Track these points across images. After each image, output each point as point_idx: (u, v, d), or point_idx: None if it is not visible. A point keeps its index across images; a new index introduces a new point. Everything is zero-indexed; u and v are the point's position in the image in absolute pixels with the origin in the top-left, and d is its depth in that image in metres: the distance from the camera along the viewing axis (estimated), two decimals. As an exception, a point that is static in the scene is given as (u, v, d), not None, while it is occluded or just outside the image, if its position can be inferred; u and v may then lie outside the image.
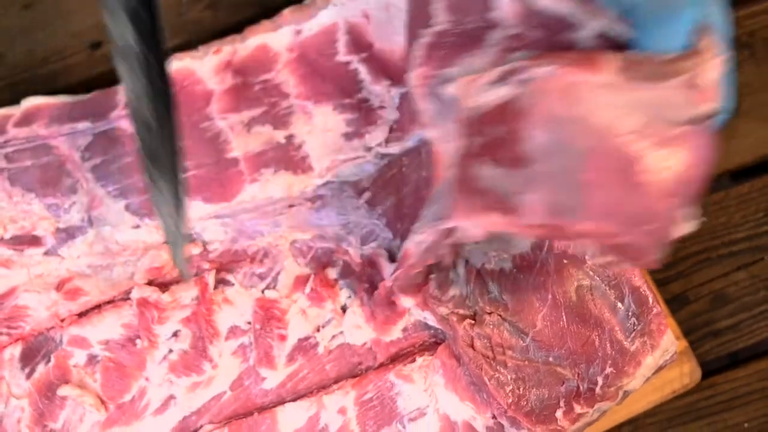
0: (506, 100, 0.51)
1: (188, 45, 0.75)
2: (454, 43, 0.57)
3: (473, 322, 0.64)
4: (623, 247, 0.51)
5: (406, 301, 0.66)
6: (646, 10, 0.51)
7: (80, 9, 0.80)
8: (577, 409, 0.63)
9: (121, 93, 0.72)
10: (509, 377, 0.63)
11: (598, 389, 0.63)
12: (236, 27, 0.77)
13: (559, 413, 0.63)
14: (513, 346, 0.63)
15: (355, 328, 0.67)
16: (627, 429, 0.71)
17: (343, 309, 0.68)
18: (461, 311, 0.64)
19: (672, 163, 0.49)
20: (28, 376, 0.68)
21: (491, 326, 0.64)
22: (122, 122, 0.72)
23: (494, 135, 0.52)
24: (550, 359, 0.64)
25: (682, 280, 0.66)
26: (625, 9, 0.52)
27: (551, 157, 0.50)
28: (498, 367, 0.63)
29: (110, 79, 0.74)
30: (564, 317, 0.64)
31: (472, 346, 0.64)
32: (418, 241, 0.59)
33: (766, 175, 0.77)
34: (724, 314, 0.74)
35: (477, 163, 0.53)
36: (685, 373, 0.69)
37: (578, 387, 0.63)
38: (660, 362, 0.64)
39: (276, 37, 0.72)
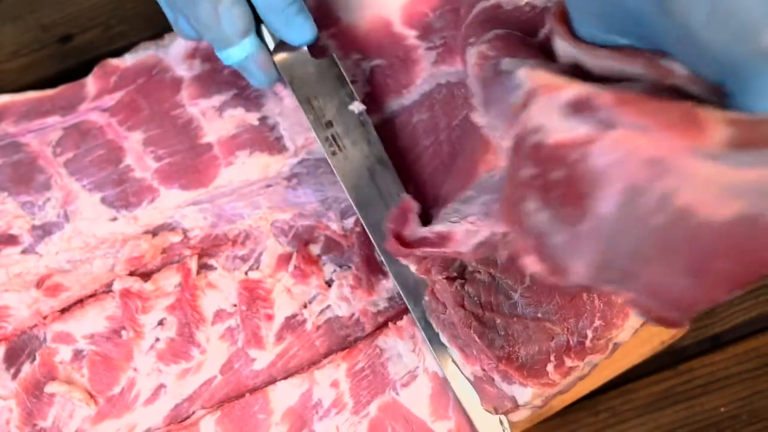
0: (577, 140, 0.41)
1: (162, 36, 0.75)
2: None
3: (464, 281, 0.64)
4: (652, 313, 0.44)
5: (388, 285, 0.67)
6: (754, 65, 0.39)
7: (50, 2, 0.79)
8: (568, 362, 0.63)
9: (90, 85, 0.72)
10: (500, 333, 0.63)
11: (588, 342, 0.63)
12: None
13: (550, 367, 0.63)
14: (502, 303, 0.64)
15: (342, 300, 0.67)
16: (605, 414, 0.71)
17: (328, 284, 0.68)
18: (450, 273, 0.64)
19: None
20: (14, 376, 0.67)
21: (480, 284, 0.64)
22: (92, 114, 0.71)
23: (552, 173, 0.42)
24: (539, 315, 0.64)
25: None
26: (719, 70, 0.41)
27: (614, 222, 0.41)
28: (487, 324, 0.63)
29: (80, 72, 0.74)
30: None
31: (462, 305, 0.64)
32: (470, 231, 0.54)
33: None
34: None
35: (524, 190, 0.44)
36: (674, 322, 0.70)
37: (568, 341, 0.63)
38: None
39: (241, 20, 0.72)
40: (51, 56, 0.78)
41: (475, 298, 0.64)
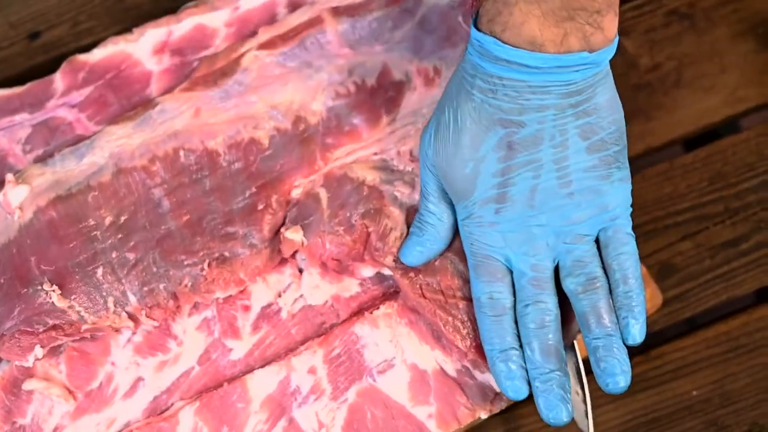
0: None
1: (128, 31, 0.75)
2: None
3: (418, 269, 0.64)
4: None
5: (364, 270, 0.67)
6: None
7: (18, -1, 0.80)
8: None
9: (58, 81, 0.72)
10: (464, 317, 0.63)
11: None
12: (175, 11, 0.77)
13: None
14: (461, 287, 0.64)
15: (314, 288, 0.67)
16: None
17: (300, 271, 0.68)
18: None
19: None
20: (-9, 374, 0.67)
21: (436, 270, 0.64)
22: (60, 111, 0.71)
23: None
24: None
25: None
26: None
27: None
28: (451, 311, 0.63)
29: (49, 69, 0.74)
30: None
31: (422, 295, 0.64)
32: None
33: (710, 145, 0.78)
34: (671, 284, 0.75)
35: None
36: (647, 298, 0.70)
37: None
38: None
39: (212, 16, 0.73)
40: (19, 53, 0.78)
41: (434, 285, 0.64)
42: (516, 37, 0.56)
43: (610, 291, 0.61)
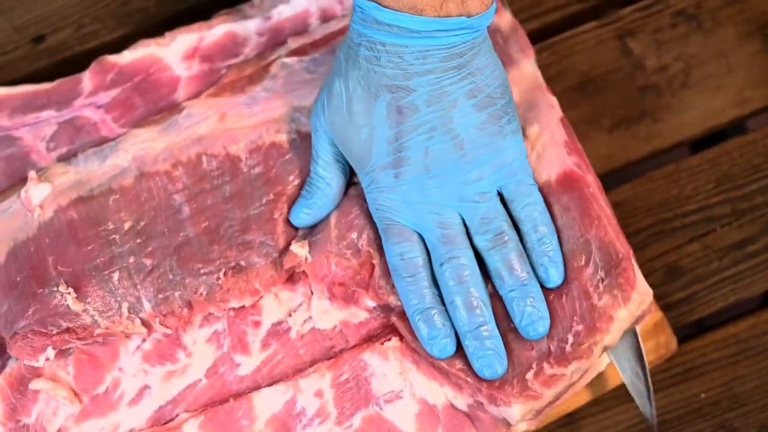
0: None
1: (134, 34, 0.75)
2: None
3: None
4: None
5: (368, 301, 0.67)
6: None
7: (22, 3, 0.79)
8: (548, 370, 0.63)
9: (86, 81, 0.71)
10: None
11: (568, 347, 0.63)
12: (181, 15, 0.77)
13: (530, 375, 0.63)
14: None
15: (323, 313, 0.68)
16: (587, 403, 0.72)
17: (312, 292, 0.68)
18: None
19: None
20: (-1, 370, 0.67)
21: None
22: (87, 111, 0.71)
23: None
24: (513, 325, 0.64)
25: (635, 254, 0.67)
26: None
27: None
28: (460, 352, 0.64)
29: (54, 73, 0.73)
30: None
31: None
32: None
33: (717, 146, 0.78)
34: (679, 286, 0.75)
35: None
36: (661, 344, 0.71)
37: (549, 347, 0.64)
38: (636, 313, 0.64)
39: (244, 24, 0.72)
40: (24, 57, 0.78)
41: None
42: (397, 2, 0.58)
43: (523, 243, 0.64)
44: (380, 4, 0.59)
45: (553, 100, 0.69)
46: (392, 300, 0.65)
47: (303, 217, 0.67)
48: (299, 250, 0.66)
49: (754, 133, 0.78)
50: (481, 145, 0.63)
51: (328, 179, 0.66)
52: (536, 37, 0.79)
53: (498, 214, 0.64)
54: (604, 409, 0.71)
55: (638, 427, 0.71)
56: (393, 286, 0.65)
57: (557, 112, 0.69)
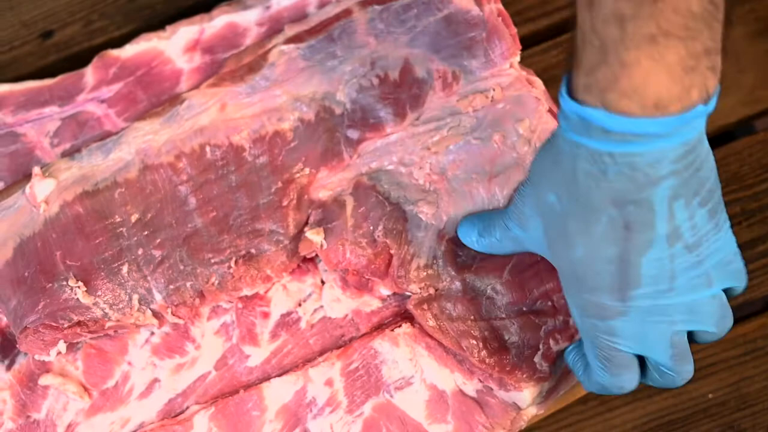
0: None
1: (142, 30, 0.74)
2: None
3: (434, 298, 0.64)
4: None
5: (383, 289, 0.67)
6: None
7: (31, -2, 0.79)
8: (555, 346, 0.63)
9: (89, 76, 0.71)
10: (486, 335, 0.63)
11: (571, 321, 0.63)
12: (188, 11, 0.77)
13: (537, 357, 0.63)
14: (481, 306, 0.64)
15: (335, 301, 0.68)
16: (593, 402, 0.71)
17: (323, 282, 0.68)
18: (427, 289, 0.65)
19: None
20: (8, 367, 0.67)
21: (454, 297, 0.64)
22: (90, 105, 0.71)
23: None
24: (524, 309, 0.64)
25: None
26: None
27: None
28: (471, 332, 0.64)
29: (61, 69, 0.73)
30: (531, 257, 0.64)
31: (439, 328, 0.64)
32: None
33: (726, 146, 0.77)
34: None
35: None
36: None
37: (555, 324, 0.64)
38: None
39: (244, 14, 0.72)
40: (32, 52, 0.77)
41: (450, 312, 0.64)
42: (637, 103, 0.48)
43: None
44: (611, 110, 0.48)
45: (539, 93, 0.68)
46: (412, 288, 0.65)
47: (475, 242, 0.63)
48: (314, 236, 0.66)
49: (764, 132, 0.77)
50: (713, 248, 0.54)
51: (517, 229, 0.59)
52: (545, 35, 0.78)
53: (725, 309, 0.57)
54: (611, 409, 0.71)
55: (645, 426, 0.71)
56: (413, 275, 0.65)
57: (543, 104, 0.68)
